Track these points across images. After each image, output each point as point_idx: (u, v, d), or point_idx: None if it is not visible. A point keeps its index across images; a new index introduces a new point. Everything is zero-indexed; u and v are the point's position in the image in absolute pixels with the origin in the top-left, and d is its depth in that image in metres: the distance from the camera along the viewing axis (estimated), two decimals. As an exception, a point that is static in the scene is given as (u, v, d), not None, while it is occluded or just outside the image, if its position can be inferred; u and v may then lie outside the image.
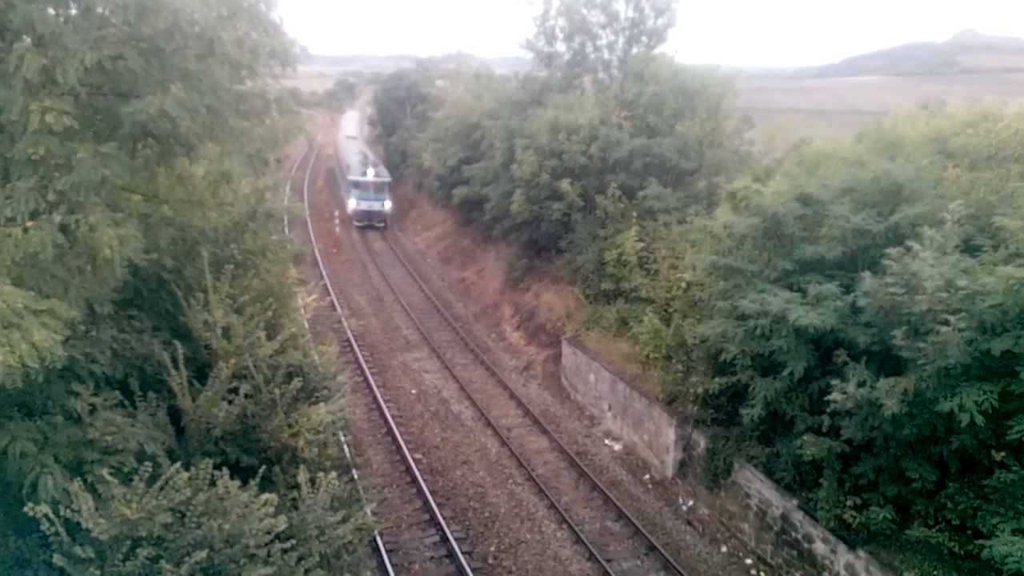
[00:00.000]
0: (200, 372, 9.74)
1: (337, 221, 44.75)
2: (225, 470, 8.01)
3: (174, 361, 8.98)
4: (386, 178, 44.66)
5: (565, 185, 24.58)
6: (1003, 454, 10.74)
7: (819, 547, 13.99)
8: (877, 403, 11.53)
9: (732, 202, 16.51)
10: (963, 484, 11.51)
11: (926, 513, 12.03)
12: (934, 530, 11.74)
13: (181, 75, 7.48)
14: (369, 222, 44.29)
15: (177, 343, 9.15)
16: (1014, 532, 10.13)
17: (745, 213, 15.49)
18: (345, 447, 17.25)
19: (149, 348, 8.99)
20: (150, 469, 7.39)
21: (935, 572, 11.82)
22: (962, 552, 11.44)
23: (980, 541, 10.70)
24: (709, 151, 23.56)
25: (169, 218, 9.29)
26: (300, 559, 8.05)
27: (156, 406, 8.77)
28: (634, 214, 22.55)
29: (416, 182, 46.19)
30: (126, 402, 8.35)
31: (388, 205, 44.39)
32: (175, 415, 9.06)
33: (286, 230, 29.18)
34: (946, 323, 10.53)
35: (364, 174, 44.01)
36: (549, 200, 25.54)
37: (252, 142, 8.86)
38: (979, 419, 10.45)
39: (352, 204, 44.39)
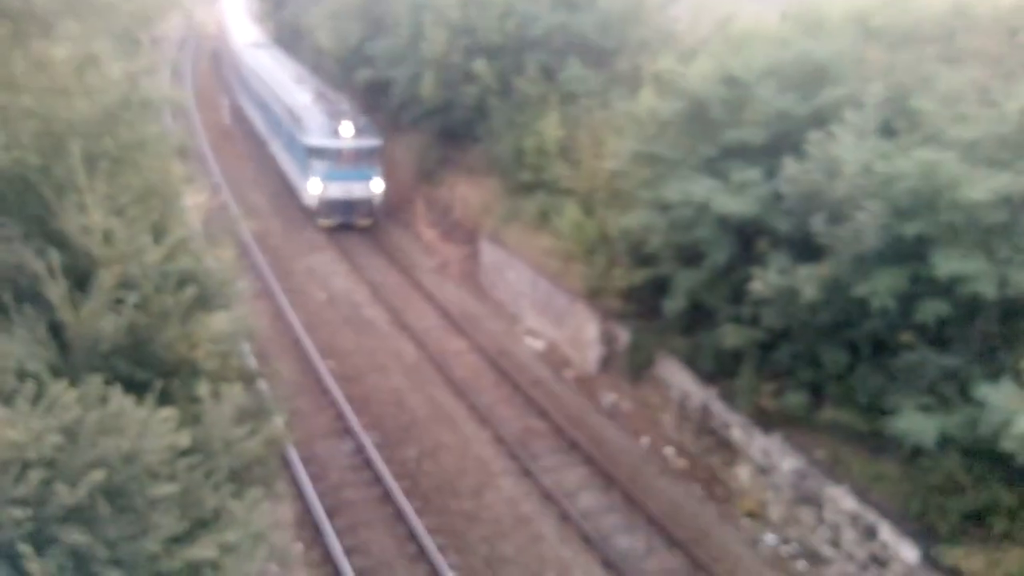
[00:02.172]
0: (81, 282, 9.43)
1: (227, 111, 42.51)
2: (118, 386, 7.97)
3: (50, 270, 8.68)
4: (374, 140, 27.89)
5: (480, 66, 24.08)
6: (909, 335, 11.79)
7: (736, 433, 15.17)
8: (796, 290, 12.36)
9: (656, 84, 16.65)
10: (872, 366, 12.62)
11: (837, 395, 13.19)
12: (843, 411, 12.92)
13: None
14: (347, 218, 27.69)
15: (52, 251, 8.82)
16: (915, 409, 11.31)
17: (669, 97, 15.69)
18: (250, 357, 17.25)
19: (20, 257, 8.63)
20: (33, 388, 7.28)
21: (843, 449, 13.15)
22: (868, 431, 12.68)
23: (885, 418, 11.90)
24: (632, 28, 23.38)
25: (30, 109, 8.74)
26: (207, 475, 8.20)
27: (35, 320, 8.53)
28: (554, 98, 22.44)
29: (313, 65, 43.64)
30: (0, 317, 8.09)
31: (378, 187, 27.81)
32: (57, 329, 8.85)
33: (169, 121, 27.77)
34: (863, 208, 11.23)
35: (336, 133, 27.02)
36: (463, 84, 25.04)
37: (119, 19, 8.35)
38: (890, 303, 11.38)
39: (315, 189, 27.27)
